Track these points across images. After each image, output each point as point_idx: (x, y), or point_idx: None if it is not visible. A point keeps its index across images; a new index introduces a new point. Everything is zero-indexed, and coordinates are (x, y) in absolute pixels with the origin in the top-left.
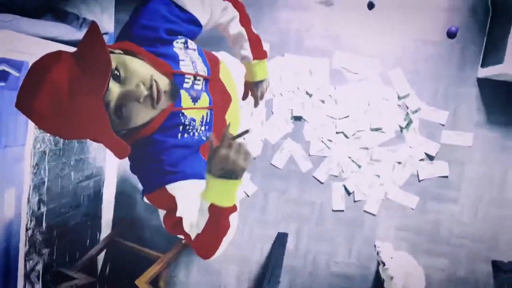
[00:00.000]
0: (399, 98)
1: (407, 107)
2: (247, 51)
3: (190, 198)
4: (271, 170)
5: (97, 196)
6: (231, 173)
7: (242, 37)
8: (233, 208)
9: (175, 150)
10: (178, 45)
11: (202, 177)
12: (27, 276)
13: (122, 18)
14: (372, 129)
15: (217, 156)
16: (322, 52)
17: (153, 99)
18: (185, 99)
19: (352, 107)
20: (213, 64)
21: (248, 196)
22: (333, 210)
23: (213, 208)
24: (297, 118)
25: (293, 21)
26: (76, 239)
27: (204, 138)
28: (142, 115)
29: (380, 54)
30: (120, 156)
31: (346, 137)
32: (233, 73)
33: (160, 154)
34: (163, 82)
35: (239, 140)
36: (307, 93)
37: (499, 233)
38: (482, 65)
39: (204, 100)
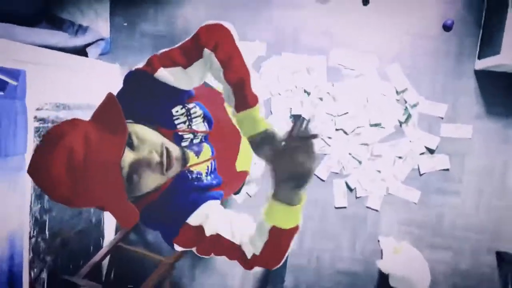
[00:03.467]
0: (397, 93)
1: (406, 102)
2: (232, 104)
3: (215, 215)
4: None
5: None
6: (299, 178)
7: (227, 88)
8: (296, 229)
9: (187, 194)
10: (178, 113)
11: (214, 198)
12: (32, 285)
13: (118, 22)
14: (371, 125)
15: (285, 159)
16: (318, 50)
17: (163, 165)
18: (190, 156)
19: (351, 104)
20: (218, 105)
21: (250, 196)
22: (336, 207)
23: (274, 230)
24: (296, 117)
25: (289, 20)
26: (79, 245)
27: (214, 182)
28: (151, 181)
29: (377, 50)
30: (128, 224)
31: (346, 133)
32: None
33: (174, 204)
34: (175, 150)
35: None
36: (305, 91)
37: (502, 224)
38: (479, 57)
39: (207, 151)
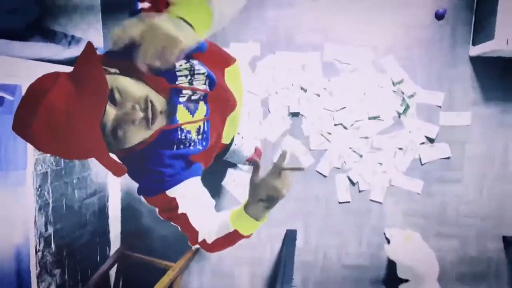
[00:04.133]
0: (393, 84)
1: (403, 93)
2: None
3: (190, 196)
4: None
5: (103, 212)
6: (272, 200)
7: None
8: (249, 237)
9: (173, 161)
10: (182, 67)
11: (196, 174)
12: None
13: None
14: (370, 118)
15: (267, 183)
16: (312, 46)
17: (148, 120)
18: (182, 113)
19: (348, 98)
20: (219, 68)
21: None
22: (339, 202)
23: (235, 233)
24: (294, 114)
25: (281, 18)
26: (86, 256)
27: (200, 148)
28: (137, 135)
29: (371, 43)
30: (117, 174)
31: (345, 128)
32: (242, 74)
33: (158, 166)
34: (160, 102)
35: (287, 171)
36: (301, 88)
37: (506, 209)
38: (473, 43)
39: (202, 110)
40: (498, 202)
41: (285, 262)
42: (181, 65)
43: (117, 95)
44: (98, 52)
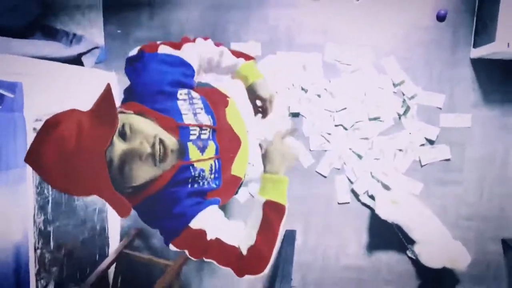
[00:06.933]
0: (394, 85)
1: (403, 94)
2: (233, 61)
3: (215, 221)
4: None
5: (102, 210)
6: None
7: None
8: (284, 210)
9: (189, 198)
10: (182, 97)
11: (214, 203)
12: None
13: (112, 30)
14: (370, 119)
15: (275, 148)
16: (313, 47)
17: (154, 157)
18: (193, 151)
19: (349, 99)
20: (219, 108)
21: (253, 196)
22: (339, 203)
23: (268, 205)
24: (295, 115)
25: (282, 19)
26: (85, 254)
27: (214, 186)
28: (143, 173)
29: (372, 44)
30: (121, 214)
31: (345, 129)
32: (241, 109)
33: (177, 205)
34: (171, 141)
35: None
36: (302, 88)
37: (506, 211)
38: (474, 46)
39: (211, 149)
40: (498, 204)
41: (284, 262)
42: (180, 94)
43: (127, 131)
44: (100, 51)
